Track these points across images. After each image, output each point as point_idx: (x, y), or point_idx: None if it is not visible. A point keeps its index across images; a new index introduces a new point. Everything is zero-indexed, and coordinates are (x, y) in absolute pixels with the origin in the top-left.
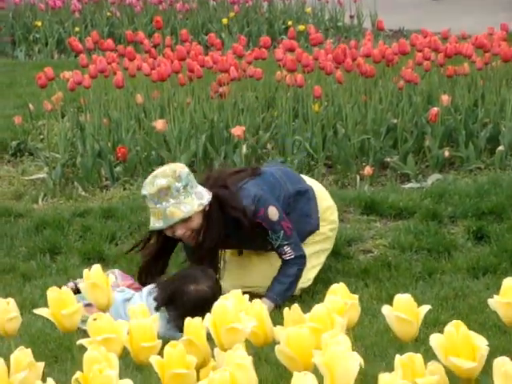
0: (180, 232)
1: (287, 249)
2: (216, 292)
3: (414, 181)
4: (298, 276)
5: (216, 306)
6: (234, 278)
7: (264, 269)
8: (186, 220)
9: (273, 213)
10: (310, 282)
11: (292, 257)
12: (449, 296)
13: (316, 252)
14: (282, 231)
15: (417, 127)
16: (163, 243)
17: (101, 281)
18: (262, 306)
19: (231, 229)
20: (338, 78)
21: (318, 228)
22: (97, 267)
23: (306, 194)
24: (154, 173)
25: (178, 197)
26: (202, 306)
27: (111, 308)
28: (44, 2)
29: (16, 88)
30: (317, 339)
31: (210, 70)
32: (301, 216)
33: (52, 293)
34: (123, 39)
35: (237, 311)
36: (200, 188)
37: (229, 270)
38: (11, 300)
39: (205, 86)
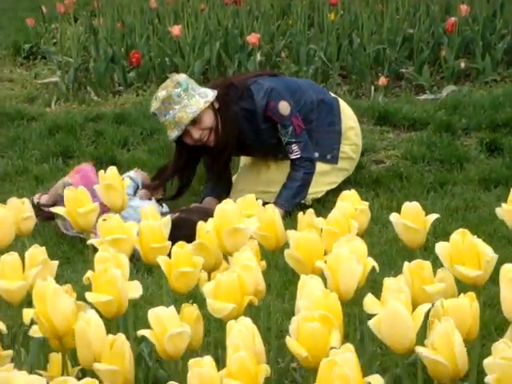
0: (196, 135)
1: (294, 147)
2: None
3: (429, 92)
4: (305, 181)
5: (218, 209)
6: (249, 183)
7: (279, 176)
8: (197, 121)
9: (284, 107)
10: (322, 194)
11: (298, 156)
12: (459, 207)
13: (334, 169)
14: (292, 127)
15: (433, 37)
16: (187, 155)
17: (116, 182)
18: (275, 211)
19: (245, 125)
20: None
21: (340, 141)
22: (112, 169)
23: (330, 104)
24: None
25: (181, 101)
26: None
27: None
28: None
29: None
30: (331, 244)
31: None
32: (323, 125)
33: (68, 191)
34: None
35: (239, 214)
36: (203, 89)
37: (244, 176)
38: (26, 200)
39: None
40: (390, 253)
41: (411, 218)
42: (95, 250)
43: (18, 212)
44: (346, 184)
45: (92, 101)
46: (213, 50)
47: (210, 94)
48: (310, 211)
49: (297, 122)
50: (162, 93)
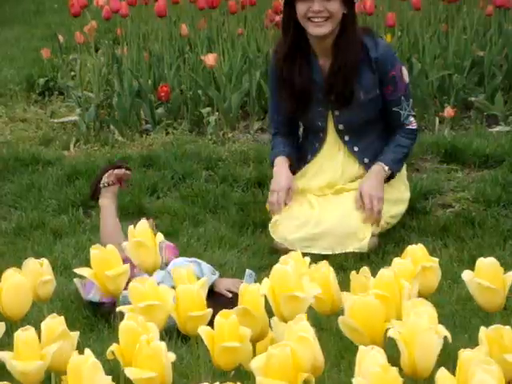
0: (317, 7)
1: (412, 119)
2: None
3: (503, 123)
4: (410, 150)
5: (275, 270)
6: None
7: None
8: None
9: (406, 74)
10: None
11: (415, 127)
12: None
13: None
14: (411, 100)
15: (507, 61)
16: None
17: (147, 239)
18: (330, 269)
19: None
20: (414, 4)
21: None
22: (143, 223)
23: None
24: None
25: None
26: None
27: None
28: None
29: (44, 16)
30: (385, 308)
31: None
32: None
33: (95, 251)
34: None
35: (298, 276)
36: None
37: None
38: (45, 261)
39: (259, 15)
40: (462, 313)
41: (487, 276)
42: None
43: (35, 275)
44: (408, 232)
45: (116, 142)
46: (252, 80)
47: None
48: (365, 270)
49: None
50: None
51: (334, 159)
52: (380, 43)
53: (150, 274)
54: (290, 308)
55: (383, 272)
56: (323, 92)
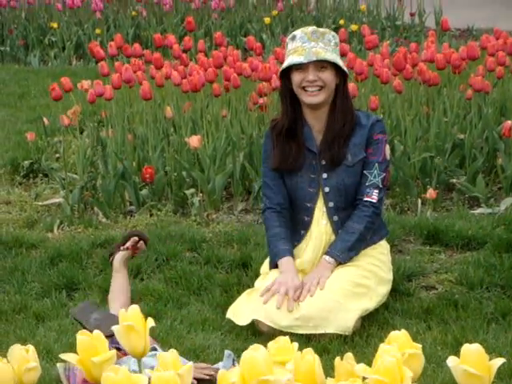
0: (311, 77)
1: (375, 192)
2: None
3: (485, 205)
4: (363, 236)
5: (245, 357)
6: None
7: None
8: (321, 69)
9: (388, 151)
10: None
11: (373, 201)
12: None
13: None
14: (384, 175)
15: (488, 143)
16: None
17: (138, 323)
18: (315, 356)
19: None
20: (395, 87)
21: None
22: (134, 308)
23: None
24: None
25: (326, 45)
26: None
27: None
28: (61, 1)
29: (29, 99)
30: None
31: (248, 78)
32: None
33: (81, 337)
34: (150, 43)
35: (270, 363)
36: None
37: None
38: (31, 347)
39: (243, 97)
40: None
41: (473, 363)
42: None
43: (20, 362)
44: (392, 314)
45: (100, 223)
46: (236, 161)
47: (345, 68)
48: (349, 356)
49: (387, 176)
50: (318, 28)
51: (319, 231)
52: (372, 115)
53: (138, 358)
54: None
55: (384, 358)
56: (316, 159)
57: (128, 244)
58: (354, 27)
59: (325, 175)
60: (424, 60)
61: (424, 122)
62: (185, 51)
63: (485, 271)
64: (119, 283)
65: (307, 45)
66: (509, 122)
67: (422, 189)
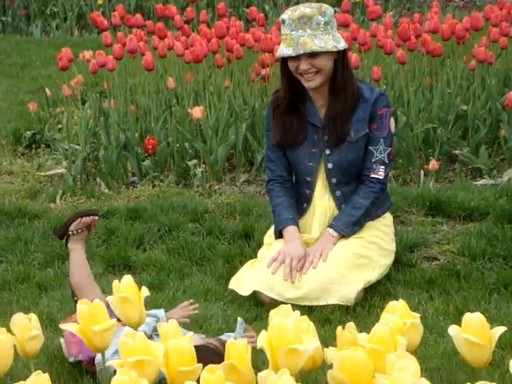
0: (304, 67)
1: (381, 168)
2: None
3: (488, 176)
4: (368, 211)
5: (275, 324)
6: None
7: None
8: (313, 56)
9: (393, 124)
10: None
11: (380, 177)
12: None
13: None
14: (390, 149)
15: (491, 114)
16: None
17: (132, 294)
18: (311, 324)
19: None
20: (399, 58)
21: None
22: (128, 278)
23: None
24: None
25: (316, 30)
26: None
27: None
28: None
29: (31, 70)
30: (376, 363)
31: (251, 49)
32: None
33: (82, 306)
34: (153, 14)
35: (297, 329)
36: (339, 34)
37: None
38: (33, 316)
39: (245, 68)
40: (448, 367)
41: (474, 332)
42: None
43: (23, 330)
44: (394, 284)
45: (102, 194)
46: (238, 132)
47: (342, 44)
48: (351, 325)
49: (392, 150)
50: (305, 9)
51: (322, 206)
52: (375, 88)
53: (135, 328)
54: (289, 361)
55: (378, 327)
56: (318, 134)
57: (75, 228)
58: None
59: (328, 151)
60: (428, 31)
61: (427, 93)
62: (187, 22)
63: (487, 242)
64: (81, 266)
65: (295, 33)
66: None
67: (425, 160)
